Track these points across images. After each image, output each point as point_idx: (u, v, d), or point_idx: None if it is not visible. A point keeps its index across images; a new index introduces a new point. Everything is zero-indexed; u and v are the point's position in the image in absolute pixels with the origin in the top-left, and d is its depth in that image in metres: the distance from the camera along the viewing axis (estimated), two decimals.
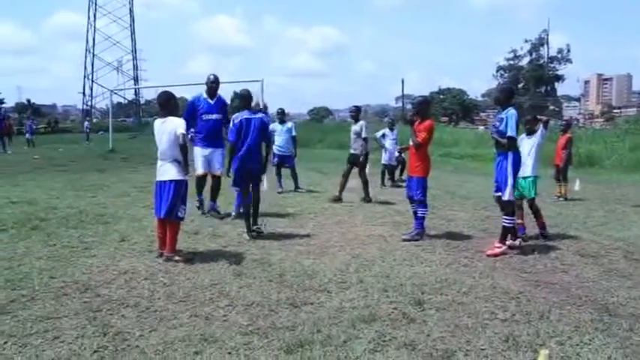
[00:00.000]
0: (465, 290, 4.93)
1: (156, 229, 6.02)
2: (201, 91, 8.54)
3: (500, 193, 6.38)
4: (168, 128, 5.75)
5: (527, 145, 7.09)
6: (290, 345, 3.64)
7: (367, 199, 10.39)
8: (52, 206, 8.95)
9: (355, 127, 10.45)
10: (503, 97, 6.43)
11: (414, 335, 3.87)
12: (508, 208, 6.32)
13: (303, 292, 4.78)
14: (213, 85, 8.37)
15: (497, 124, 6.29)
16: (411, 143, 7.20)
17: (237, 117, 6.96)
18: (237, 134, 6.93)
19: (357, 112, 10.81)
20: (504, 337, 3.85)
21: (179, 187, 5.76)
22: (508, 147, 6.19)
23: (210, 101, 8.36)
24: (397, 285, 5.03)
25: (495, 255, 6.15)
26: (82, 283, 4.95)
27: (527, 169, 6.93)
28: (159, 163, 5.89)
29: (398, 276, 5.33)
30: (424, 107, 7.25)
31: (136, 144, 31.85)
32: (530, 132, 7.19)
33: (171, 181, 5.74)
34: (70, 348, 3.58)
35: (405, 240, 6.91)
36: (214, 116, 8.30)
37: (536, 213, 7.21)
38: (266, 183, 10.40)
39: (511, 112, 6.17)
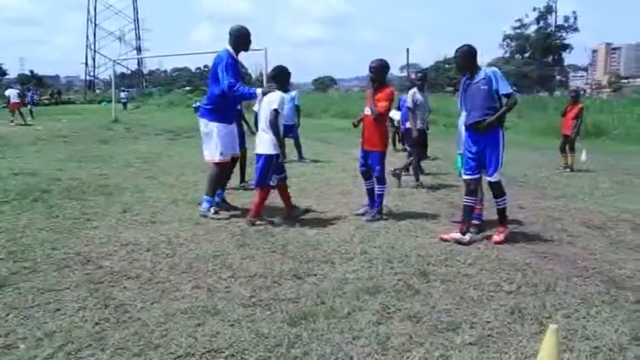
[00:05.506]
0: (470, 262, 4.88)
1: None
2: (225, 46, 6.34)
3: (477, 175, 5.66)
4: (267, 101, 6.06)
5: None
6: (293, 317, 3.60)
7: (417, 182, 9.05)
8: (55, 178, 8.91)
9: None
10: (472, 61, 5.56)
11: (418, 307, 3.82)
12: (498, 188, 5.62)
13: (307, 264, 4.74)
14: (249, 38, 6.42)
15: (483, 87, 5.39)
16: (368, 113, 6.43)
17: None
18: None
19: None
20: (510, 309, 3.80)
21: (269, 160, 6.10)
22: (512, 105, 5.50)
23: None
24: (401, 256, 4.98)
25: (502, 242, 5.58)
26: (84, 254, 4.92)
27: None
28: (258, 134, 6.30)
29: (402, 247, 5.29)
30: (383, 73, 6.46)
31: (139, 114, 31.68)
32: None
33: (261, 154, 6.14)
34: (71, 320, 3.55)
35: (368, 221, 6.35)
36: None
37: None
38: None
39: (493, 68, 5.57)
